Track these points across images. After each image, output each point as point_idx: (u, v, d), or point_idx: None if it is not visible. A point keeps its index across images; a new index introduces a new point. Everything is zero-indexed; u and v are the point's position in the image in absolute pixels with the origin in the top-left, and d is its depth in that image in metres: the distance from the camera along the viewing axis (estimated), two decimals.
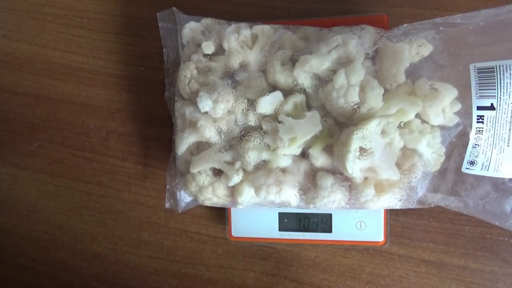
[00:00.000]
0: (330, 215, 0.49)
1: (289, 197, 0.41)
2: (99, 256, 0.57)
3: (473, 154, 0.38)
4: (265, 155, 0.41)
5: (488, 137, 0.37)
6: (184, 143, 0.43)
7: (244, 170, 0.42)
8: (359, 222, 0.48)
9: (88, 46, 0.56)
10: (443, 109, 0.38)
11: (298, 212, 0.49)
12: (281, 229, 0.50)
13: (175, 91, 0.45)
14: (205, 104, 0.40)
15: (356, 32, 0.40)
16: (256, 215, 0.50)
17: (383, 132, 0.37)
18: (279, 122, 0.40)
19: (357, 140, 0.36)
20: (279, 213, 0.50)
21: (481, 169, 0.38)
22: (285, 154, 0.40)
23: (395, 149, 0.39)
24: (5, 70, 0.58)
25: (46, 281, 0.59)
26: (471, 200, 0.40)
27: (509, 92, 0.36)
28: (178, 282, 0.56)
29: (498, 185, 0.39)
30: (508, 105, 0.36)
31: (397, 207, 0.41)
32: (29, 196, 0.59)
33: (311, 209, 0.43)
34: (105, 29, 0.56)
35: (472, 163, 0.38)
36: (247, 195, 0.42)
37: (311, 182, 0.42)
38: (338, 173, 0.40)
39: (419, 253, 0.50)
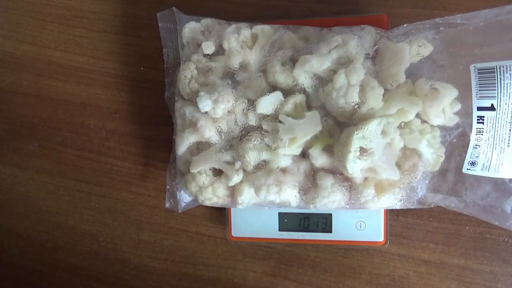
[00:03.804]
0: (330, 215, 0.49)
1: (289, 197, 0.41)
2: (99, 256, 0.57)
3: (474, 154, 0.38)
4: (265, 155, 0.41)
5: (489, 138, 0.37)
6: (184, 143, 0.43)
7: (244, 170, 0.42)
8: (359, 222, 0.48)
9: (88, 46, 0.56)
10: (443, 109, 0.38)
11: (298, 212, 0.49)
12: (281, 229, 0.50)
13: (175, 91, 0.45)
14: (205, 104, 0.40)
15: (356, 32, 0.40)
16: (256, 215, 0.50)
17: (384, 132, 0.37)
18: (279, 122, 0.40)
19: (357, 140, 0.36)
20: (279, 213, 0.50)
21: (482, 170, 0.38)
22: (285, 154, 0.40)
23: (395, 149, 0.39)
24: (5, 70, 0.58)
25: (46, 281, 0.59)
26: (471, 200, 0.40)
27: (509, 93, 0.36)
28: (178, 282, 0.56)
29: (498, 185, 0.39)
30: (508, 106, 0.36)
31: (397, 207, 0.41)
32: (29, 196, 0.59)
33: (311, 209, 0.43)
34: (105, 29, 0.56)
35: (472, 163, 0.38)
36: (247, 195, 0.41)
37: (311, 182, 0.42)
38: (338, 173, 0.40)
39: (419, 253, 0.49)
